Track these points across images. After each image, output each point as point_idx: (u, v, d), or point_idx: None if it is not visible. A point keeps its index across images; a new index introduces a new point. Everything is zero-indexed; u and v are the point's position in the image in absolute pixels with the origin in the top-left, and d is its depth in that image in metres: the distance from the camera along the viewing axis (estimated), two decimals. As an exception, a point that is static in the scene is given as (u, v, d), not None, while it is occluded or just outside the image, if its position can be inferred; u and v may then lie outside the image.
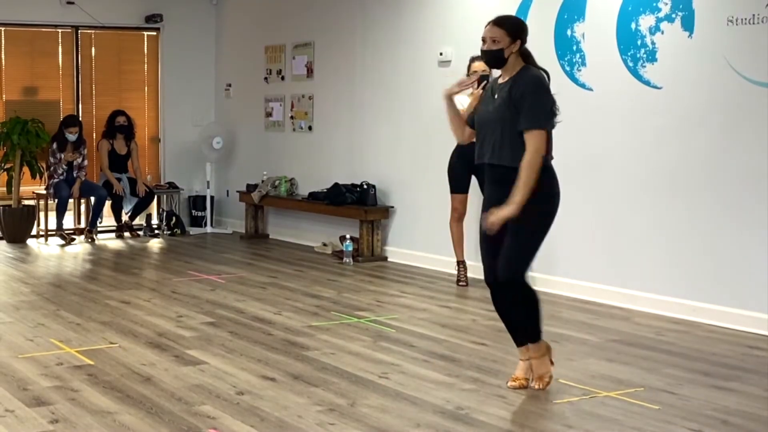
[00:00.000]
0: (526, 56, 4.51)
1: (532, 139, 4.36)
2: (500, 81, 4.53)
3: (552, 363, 4.67)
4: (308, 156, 9.97)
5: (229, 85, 11.24)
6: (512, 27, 4.48)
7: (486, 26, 4.50)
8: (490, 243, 4.49)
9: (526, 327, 4.57)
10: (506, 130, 4.41)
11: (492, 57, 4.48)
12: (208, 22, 11.38)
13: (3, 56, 10.39)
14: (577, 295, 7.02)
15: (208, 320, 6.19)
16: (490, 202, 4.47)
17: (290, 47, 10.17)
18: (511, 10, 7.44)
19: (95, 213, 10.23)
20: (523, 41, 4.49)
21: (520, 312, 4.55)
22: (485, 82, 4.73)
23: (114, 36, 11.02)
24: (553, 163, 7.44)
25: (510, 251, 4.42)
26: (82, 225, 10.52)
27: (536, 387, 4.58)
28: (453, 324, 6.13)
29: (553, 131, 4.61)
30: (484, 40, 4.49)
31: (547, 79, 4.49)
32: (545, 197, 4.43)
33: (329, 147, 9.69)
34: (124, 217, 10.57)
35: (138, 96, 11.22)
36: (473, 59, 6.99)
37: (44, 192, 10.19)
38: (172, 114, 11.24)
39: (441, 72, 8.09)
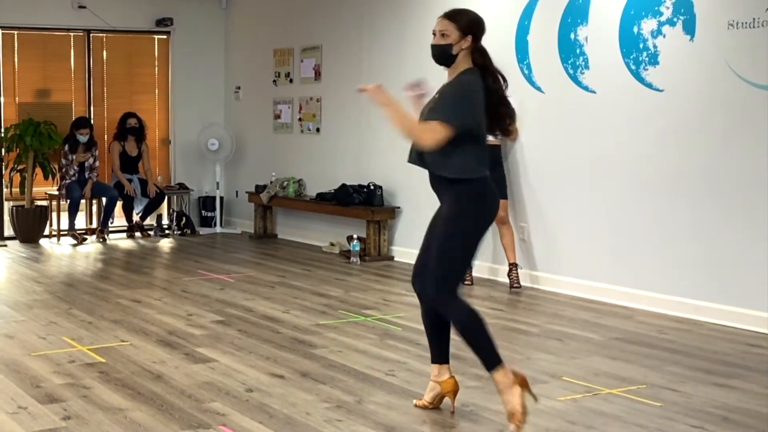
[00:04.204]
0: (482, 54, 4.08)
1: (432, 125, 3.91)
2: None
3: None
4: (316, 157, 10.04)
5: (239, 88, 11.32)
6: (464, 21, 4.04)
7: (437, 19, 4.11)
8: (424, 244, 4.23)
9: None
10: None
11: (439, 52, 4.08)
12: (218, 25, 11.45)
13: (16, 59, 10.46)
14: (580, 294, 7.07)
15: (218, 319, 6.25)
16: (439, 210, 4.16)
17: (298, 50, 10.24)
18: (515, 14, 7.52)
19: (107, 213, 10.32)
20: (476, 38, 4.05)
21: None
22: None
23: (125, 39, 11.11)
24: (555, 163, 7.54)
25: (431, 260, 4.10)
26: (94, 225, 10.59)
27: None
28: (458, 323, 6.18)
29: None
30: (434, 33, 4.09)
31: (500, 82, 4.09)
32: (471, 212, 4.00)
33: (337, 148, 9.76)
34: (135, 218, 10.64)
35: (149, 98, 11.30)
36: None
37: (56, 193, 10.27)
38: (182, 116, 11.32)
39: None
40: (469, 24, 4.05)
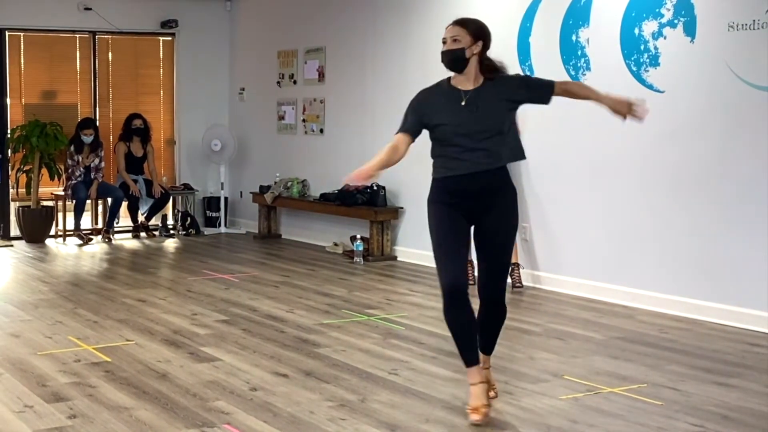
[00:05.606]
0: (490, 66, 4.18)
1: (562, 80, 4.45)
2: (460, 87, 4.19)
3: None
4: (320, 158, 10.08)
5: (243, 89, 11.36)
6: (474, 27, 4.16)
7: (447, 27, 4.20)
8: None
9: None
10: (502, 132, 4.15)
11: (452, 57, 4.14)
12: (222, 27, 11.49)
13: (23, 61, 10.52)
14: (582, 293, 7.10)
15: (222, 318, 6.29)
16: (482, 210, 4.25)
17: (302, 52, 10.28)
18: (518, 16, 7.55)
19: (112, 214, 10.36)
20: (486, 45, 4.16)
21: None
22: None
23: (130, 41, 11.15)
24: (556, 163, 7.55)
25: (503, 260, 4.49)
26: (99, 225, 10.65)
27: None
28: (461, 322, 6.20)
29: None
30: (444, 41, 4.17)
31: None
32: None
33: (340, 149, 9.80)
34: (140, 218, 10.68)
35: (154, 99, 11.35)
36: None
37: (62, 193, 10.31)
38: (187, 117, 11.36)
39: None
40: (479, 30, 4.16)
